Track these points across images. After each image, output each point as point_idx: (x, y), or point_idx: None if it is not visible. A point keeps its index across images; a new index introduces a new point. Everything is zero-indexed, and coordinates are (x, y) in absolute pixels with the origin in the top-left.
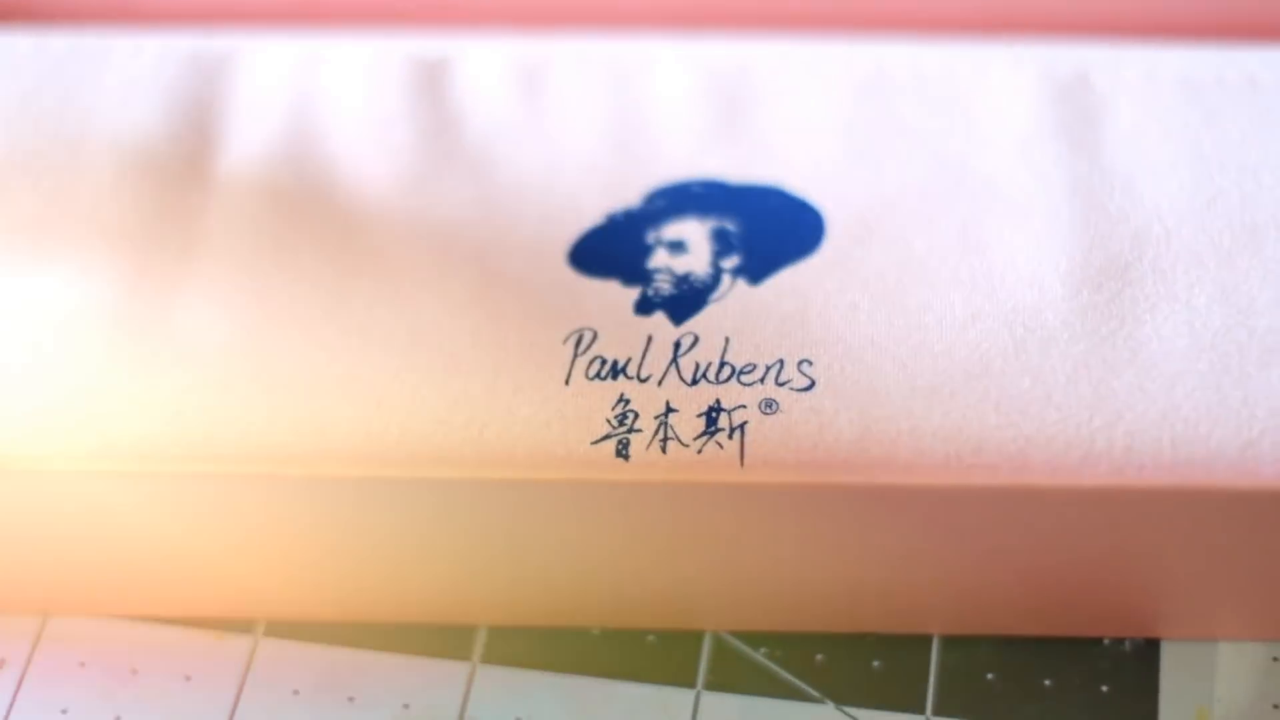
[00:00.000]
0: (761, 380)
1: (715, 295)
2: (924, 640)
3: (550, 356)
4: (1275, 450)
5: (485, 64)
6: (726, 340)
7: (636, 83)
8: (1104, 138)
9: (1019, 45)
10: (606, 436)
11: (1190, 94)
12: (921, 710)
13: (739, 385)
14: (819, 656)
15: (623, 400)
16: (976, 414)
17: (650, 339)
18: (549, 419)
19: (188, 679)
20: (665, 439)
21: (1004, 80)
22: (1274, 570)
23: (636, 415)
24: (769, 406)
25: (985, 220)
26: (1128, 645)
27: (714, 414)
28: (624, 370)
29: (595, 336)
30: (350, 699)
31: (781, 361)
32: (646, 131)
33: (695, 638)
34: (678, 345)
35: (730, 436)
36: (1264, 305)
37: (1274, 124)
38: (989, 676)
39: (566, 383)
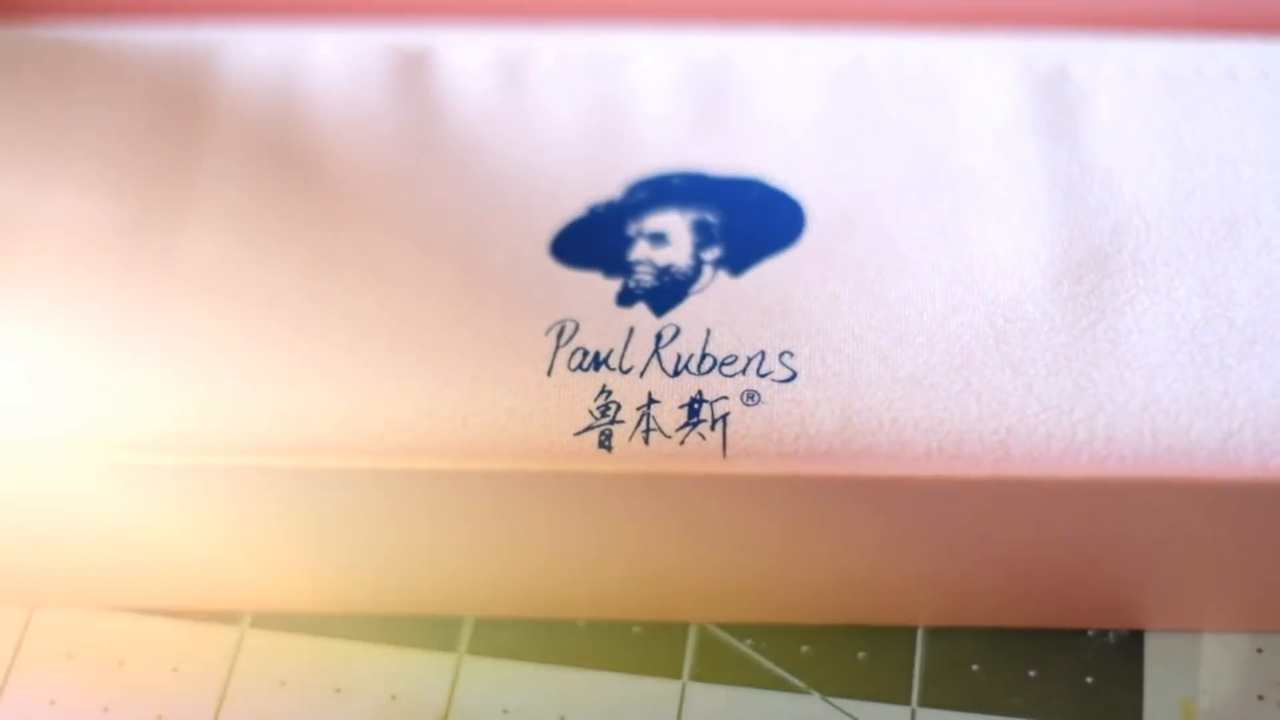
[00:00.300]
0: (743, 371)
1: (696, 287)
2: (909, 632)
3: (532, 348)
4: (1256, 441)
5: (467, 56)
6: (708, 332)
7: (617, 74)
8: (1083, 130)
9: (998, 38)
10: (589, 428)
11: (1169, 86)
12: (907, 701)
13: (721, 376)
14: (804, 648)
15: (605, 391)
16: (958, 405)
17: (632, 330)
18: (532, 410)
19: (175, 670)
20: (648, 430)
21: (983, 73)
22: (1257, 561)
23: (619, 406)
24: (751, 398)
25: (965, 212)
26: (1112, 637)
27: (696, 405)
28: (606, 361)
29: (577, 328)
30: (337, 690)
31: (763, 353)
32: (627, 123)
33: (681, 629)
34: (659, 337)
35: (712, 428)
36: (1243, 297)
37: (1253, 116)
38: (974, 668)
39: (549, 374)
